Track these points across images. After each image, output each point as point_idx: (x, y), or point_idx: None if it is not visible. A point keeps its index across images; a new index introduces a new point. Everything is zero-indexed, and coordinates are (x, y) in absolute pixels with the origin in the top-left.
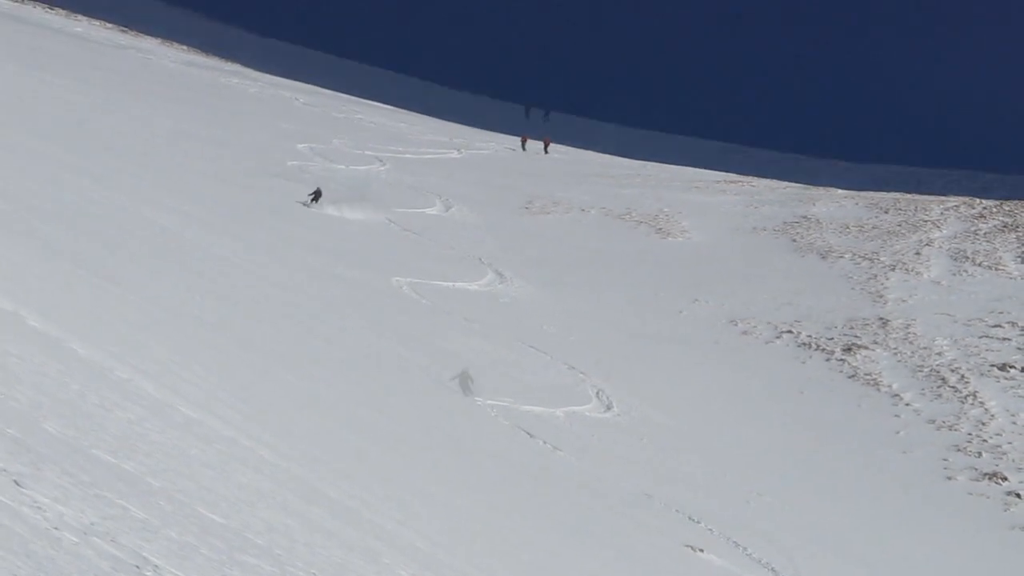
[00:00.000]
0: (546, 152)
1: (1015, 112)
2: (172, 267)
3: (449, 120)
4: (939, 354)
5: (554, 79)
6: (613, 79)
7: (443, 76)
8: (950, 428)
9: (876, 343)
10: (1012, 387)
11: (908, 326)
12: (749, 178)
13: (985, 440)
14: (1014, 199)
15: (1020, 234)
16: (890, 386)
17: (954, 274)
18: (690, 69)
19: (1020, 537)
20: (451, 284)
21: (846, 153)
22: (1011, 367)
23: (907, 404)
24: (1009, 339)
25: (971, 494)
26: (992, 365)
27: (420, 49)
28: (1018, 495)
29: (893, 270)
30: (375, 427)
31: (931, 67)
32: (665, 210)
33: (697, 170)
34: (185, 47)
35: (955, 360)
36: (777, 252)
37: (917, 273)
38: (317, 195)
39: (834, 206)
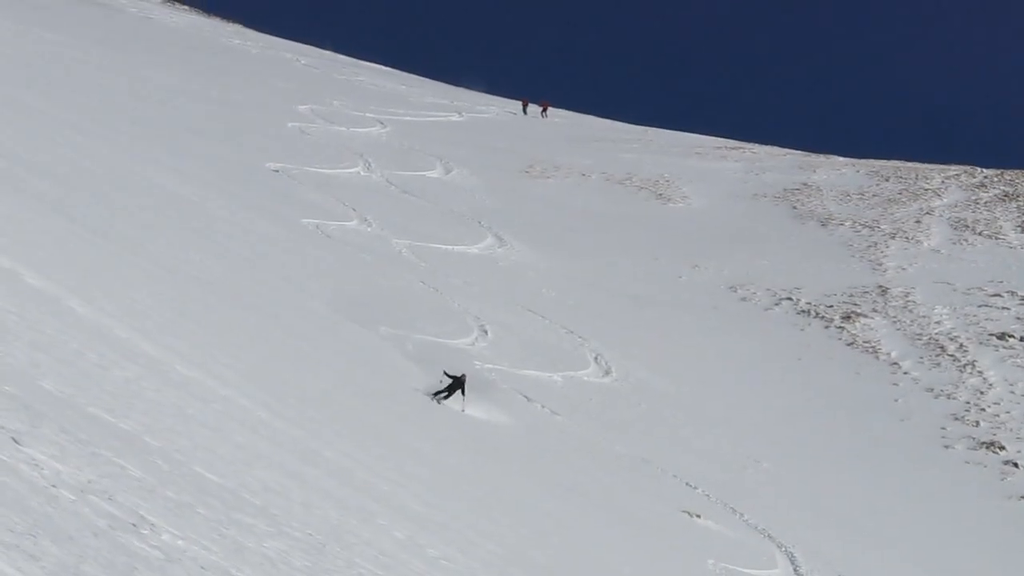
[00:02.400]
0: (544, 116)
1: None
2: (170, 225)
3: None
4: (938, 323)
5: (550, 75)
6: (611, 74)
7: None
8: (948, 397)
9: (875, 311)
10: (1011, 356)
11: (907, 294)
12: (750, 144)
13: (983, 409)
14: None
15: (1021, 203)
16: (889, 354)
17: (954, 243)
18: (688, 66)
19: (1016, 507)
20: (450, 247)
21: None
22: (1010, 336)
23: (905, 372)
24: (1008, 308)
25: (968, 463)
26: (991, 334)
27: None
28: (1015, 464)
29: (893, 238)
30: (371, 389)
31: (932, 62)
32: (666, 175)
33: (698, 136)
34: (187, 7)
35: (954, 329)
36: (777, 219)
37: (917, 241)
38: (454, 387)
39: (835, 174)
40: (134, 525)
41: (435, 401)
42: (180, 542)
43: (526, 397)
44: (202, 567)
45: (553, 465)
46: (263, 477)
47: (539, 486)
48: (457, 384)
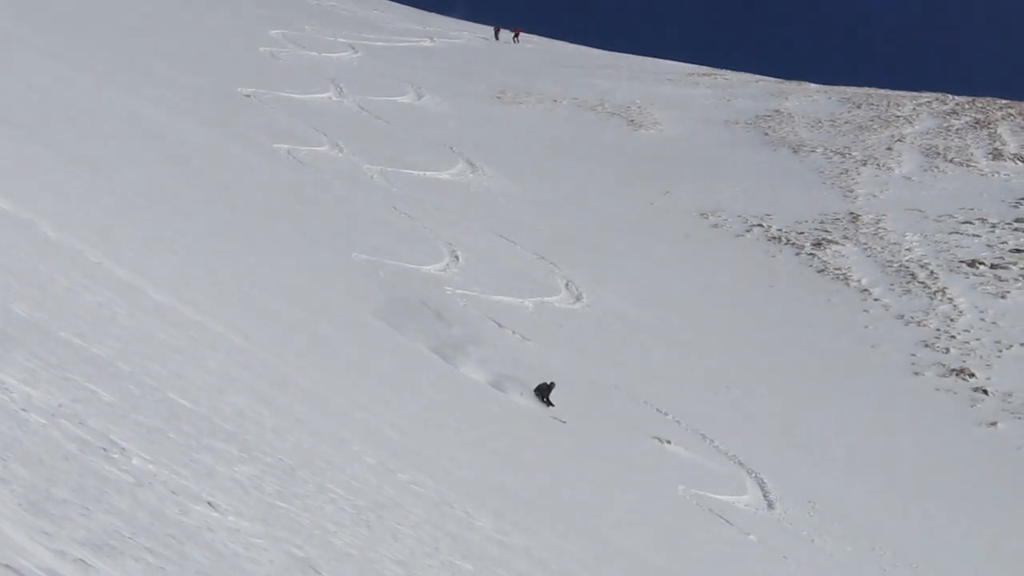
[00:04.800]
0: (516, 41)
1: (985, 37)
2: (145, 152)
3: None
4: (908, 250)
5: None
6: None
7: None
8: (918, 324)
9: (846, 238)
10: (981, 283)
11: (878, 221)
12: (722, 71)
13: (953, 336)
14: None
15: (992, 131)
16: (859, 281)
17: (925, 170)
18: None
19: (985, 433)
20: (422, 173)
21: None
22: (980, 263)
23: (876, 299)
24: (979, 236)
25: (938, 390)
26: (961, 261)
27: None
28: (984, 391)
29: (864, 165)
30: (346, 315)
31: None
32: (637, 102)
33: (670, 62)
34: None
35: (924, 256)
36: (749, 146)
37: (888, 169)
38: (545, 391)
39: (806, 100)
40: (104, 449)
41: (544, 404)
42: (151, 466)
43: (497, 323)
44: (172, 491)
45: (525, 391)
46: (235, 402)
47: (509, 412)
48: (546, 389)
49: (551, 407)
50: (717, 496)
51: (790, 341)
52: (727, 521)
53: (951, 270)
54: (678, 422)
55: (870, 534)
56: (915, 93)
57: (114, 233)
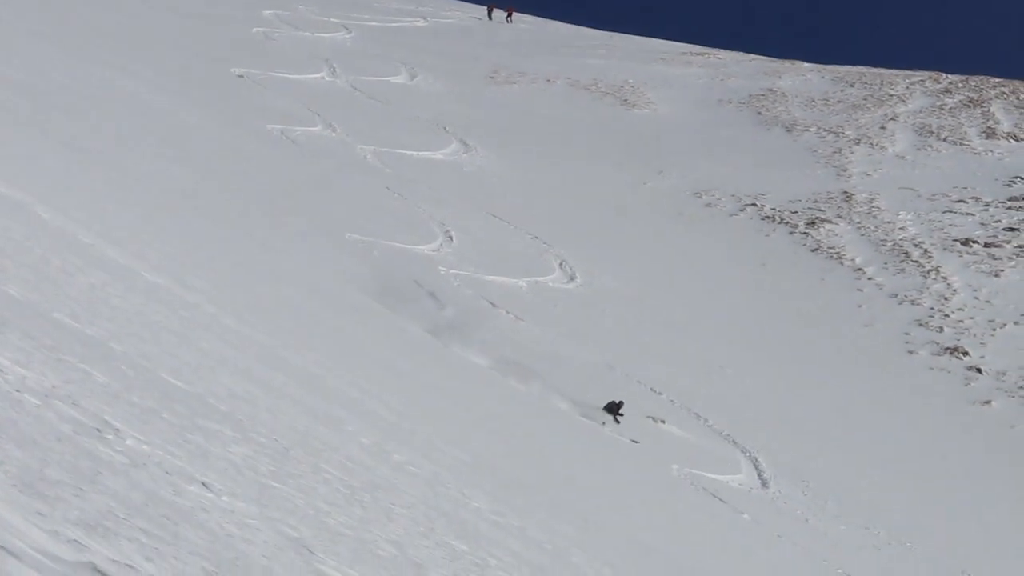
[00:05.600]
0: (509, 21)
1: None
2: (138, 134)
3: None
4: (902, 229)
5: None
6: None
7: None
8: (912, 303)
9: (840, 217)
10: (974, 262)
11: (872, 200)
12: (715, 50)
13: (947, 315)
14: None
15: (985, 109)
16: (853, 260)
17: (919, 149)
18: None
19: (979, 412)
20: (415, 153)
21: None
22: (974, 242)
23: (870, 278)
24: (972, 214)
25: (932, 368)
26: (955, 240)
27: None
28: (978, 370)
29: (858, 144)
30: (340, 296)
31: None
32: (631, 81)
33: (663, 41)
34: None
35: (918, 235)
36: (742, 125)
37: (882, 147)
38: (615, 409)
39: (799, 80)
40: (98, 430)
41: (615, 420)
42: (145, 447)
43: (491, 303)
44: (167, 472)
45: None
46: (229, 384)
47: (505, 393)
48: (616, 407)
49: (618, 423)
50: (711, 475)
51: (784, 320)
52: (721, 500)
53: (944, 249)
54: (672, 401)
55: (864, 513)
56: (908, 72)
57: (108, 215)
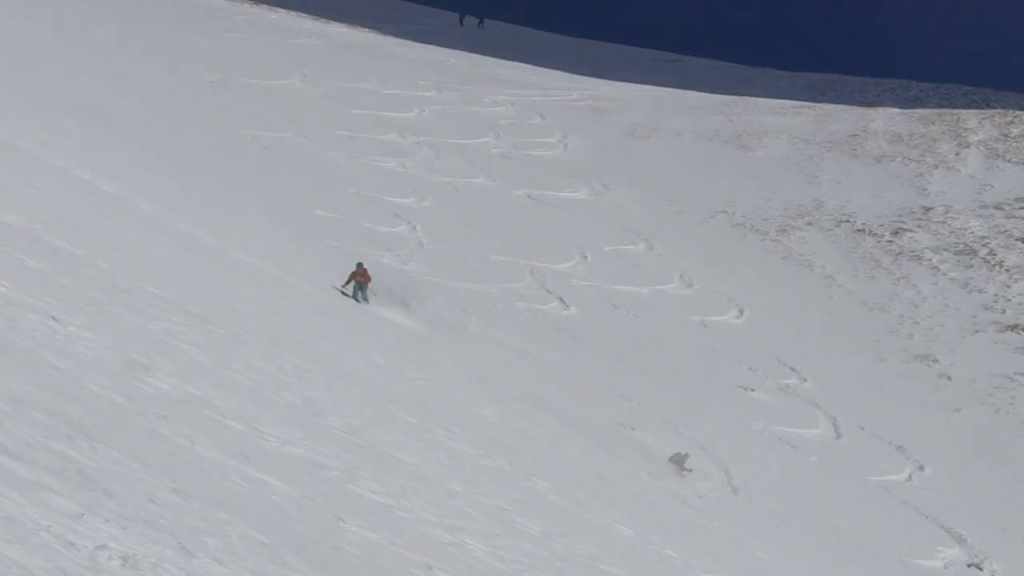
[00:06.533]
0: (481, 27)
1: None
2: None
3: None
4: (874, 235)
5: None
6: None
7: None
8: (883, 310)
9: (810, 224)
10: (945, 270)
11: (842, 208)
12: (687, 57)
13: (917, 322)
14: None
15: (957, 118)
16: (824, 267)
17: (891, 159)
18: None
19: (951, 419)
20: (385, 162)
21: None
22: (944, 250)
23: (840, 286)
24: (943, 223)
25: (902, 376)
26: (925, 248)
27: None
28: (949, 377)
29: (829, 152)
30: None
31: None
32: (603, 89)
33: (635, 48)
34: None
35: (889, 242)
36: (713, 134)
37: (854, 155)
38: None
39: (771, 88)
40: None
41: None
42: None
43: (463, 310)
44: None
45: (498, 382)
46: (203, 287)
47: (484, 396)
48: (682, 459)
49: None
50: (681, 481)
51: (755, 328)
52: (691, 507)
53: (916, 257)
54: (643, 408)
55: (833, 522)
56: (879, 79)
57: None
